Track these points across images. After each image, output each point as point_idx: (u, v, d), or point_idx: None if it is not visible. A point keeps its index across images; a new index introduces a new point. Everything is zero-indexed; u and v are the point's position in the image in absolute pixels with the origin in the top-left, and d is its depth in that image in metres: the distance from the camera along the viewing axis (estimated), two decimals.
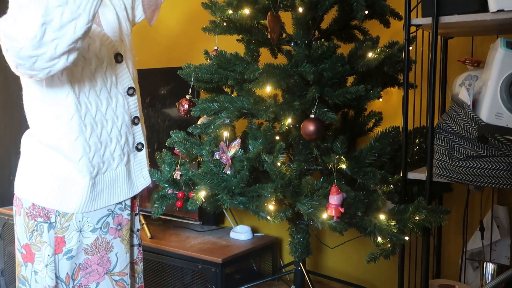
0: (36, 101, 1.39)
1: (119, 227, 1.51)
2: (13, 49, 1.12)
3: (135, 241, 1.62)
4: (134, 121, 1.53)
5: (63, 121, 1.36)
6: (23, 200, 1.42)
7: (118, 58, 1.47)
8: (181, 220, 2.77)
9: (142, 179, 1.59)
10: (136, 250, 1.62)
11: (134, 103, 1.52)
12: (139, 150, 1.55)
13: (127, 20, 1.57)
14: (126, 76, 1.50)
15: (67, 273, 1.42)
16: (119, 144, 1.46)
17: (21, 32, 1.10)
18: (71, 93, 1.34)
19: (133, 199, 1.58)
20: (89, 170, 1.39)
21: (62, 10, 1.11)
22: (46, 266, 1.39)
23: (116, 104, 1.45)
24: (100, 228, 1.45)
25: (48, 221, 1.39)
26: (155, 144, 2.74)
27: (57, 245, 1.40)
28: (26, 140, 1.47)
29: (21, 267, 1.45)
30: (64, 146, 1.37)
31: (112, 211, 1.49)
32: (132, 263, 1.59)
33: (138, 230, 1.63)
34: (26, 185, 1.43)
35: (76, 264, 1.43)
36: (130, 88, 1.50)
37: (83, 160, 1.38)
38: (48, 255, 1.39)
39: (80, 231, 1.42)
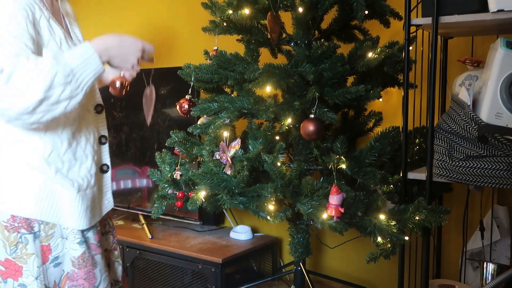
0: None
1: (99, 244, 1.44)
2: (2, 108, 1.12)
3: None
4: (101, 140, 1.47)
5: (38, 135, 1.31)
6: None
7: None
8: (181, 220, 2.77)
9: (107, 202, 1.52)
10: (119, 268, 1.54)
11: (102, 121, 1.48)
12: (104, 171, 1.49)
13: None
14: (96, 93, 1.47)
15: (55, 280, 1.37)
16: (93, 161, 1.41)
17: (15, 98, 1.10)
18: None
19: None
20: (69, 183, 1.34)
21: (64, 88, 1.14)
22: (36, 278, 1.33)
23: (88, 121, 1.41)
24: (85, 241, 1.39)
25: (32, 231, 1.32)
26: (155, 144, 2.75)
27: (43, 254, 1.34)
28: None
29: None
30: (36, 160, 1.31)
31: (95, 226, 1.45)
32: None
33: (106, 250, 1.52)
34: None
35: (64, 271, 1.38)
36: (98, 105, 1.47)
37: (58, 174, 1.33)
38: (37, 267, 1.33)
39: (67, 238, 1.37)
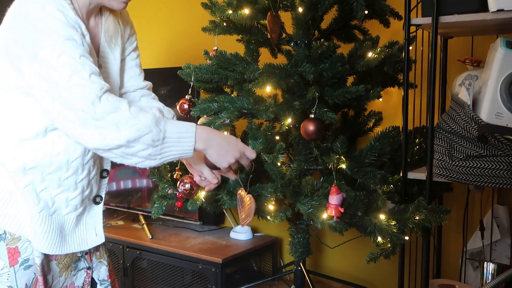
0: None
1: None
2: (79, 136, 1.17)
3: (83, 265, 1.46)
4: (102, 174, 1.42)
5: (33, 148, 1.26)
6: None
7: None
8: (181, 220, 2.77)
9: (95, 235, 1.42)
10: (83, 273, 1.47)
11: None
12: (96, 203, 1.42)
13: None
14: None
15: (26, 283, 1.32)
16: (81, 193, 1.35)
17: (99, 137, 1.14)
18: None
19: None
20: (34, 200, 1.29)
21: (146, 147, 1.16)
22: None
23: (73, 152, 1.31)
24: None
25: None
26: None
27: (11, 257, 1.30)
28: None
29: None
30: (13, 166, 1.27)
31: None
32: None
33: (86, 253, 1.46)
34: None
35: (35, 274, 1.33)
36: None
37: (28, 187, 1.28)
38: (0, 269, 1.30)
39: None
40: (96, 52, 1.36)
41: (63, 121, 1.17)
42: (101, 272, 1.50)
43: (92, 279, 1.49)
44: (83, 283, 1.47)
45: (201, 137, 1.24)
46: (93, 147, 1.18)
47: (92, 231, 1.42)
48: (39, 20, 1.16)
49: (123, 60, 1.47)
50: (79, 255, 1.44)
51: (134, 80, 1.50)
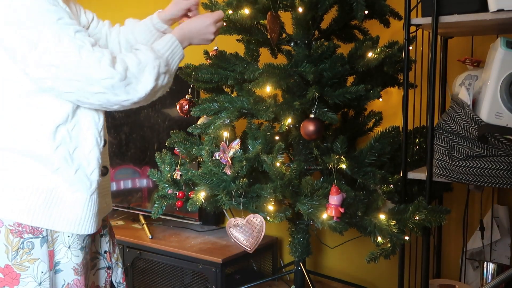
0: (17, 102, 1.25)
1: (88, 247, 1.39)
2: (114, 101, 1.22)
3: (102, 264, 1.47)
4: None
5: (51, 128, 1.26)
6: (2, 219, 1.27)
7: None
8: (181, 220, 2.76)
9: (105, 204, 1.44)
10: (104, 273, 1.47)
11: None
12: (103, 174, 1.40)
13: None
14: None
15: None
16: (98, 164, 1.35)
17: (131, 93, 1.22)
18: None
19: None
20: (85, 185, 1.29)
21: (165, 76, 1.28)
22: (40, 284, 1.28)
23: (98, 121, 1.34)
24: (85, 247, 1.35)
25: (40, 236, 1.27)
26: (155, 144, 2.74)
27: (51, 260, 1.30)
28: None
29: None
30: (56, 157, 1.26)
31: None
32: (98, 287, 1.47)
33: (106, 252, 1.47)
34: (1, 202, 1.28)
35: (64, 281, 1.32)
36: None
37: (79, 172, 1.28)
38: (42, 272, 1.28)
39: (69, 247, 1.32)
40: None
41: (89, 96, 1.20)
42: (118, 274, 1.51)
43: (111, 281, 1.50)
44: (104, 283, 1.47)
45: (181, 39, 1.37)
46: (132, 102, 1.24)
47: (103, 202, 1.44)
48: (27, 8, 1.17)
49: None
50: (94, 251, 1.45)
51: (103, 25, 1.58)
